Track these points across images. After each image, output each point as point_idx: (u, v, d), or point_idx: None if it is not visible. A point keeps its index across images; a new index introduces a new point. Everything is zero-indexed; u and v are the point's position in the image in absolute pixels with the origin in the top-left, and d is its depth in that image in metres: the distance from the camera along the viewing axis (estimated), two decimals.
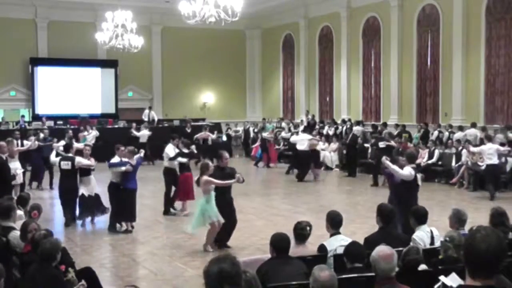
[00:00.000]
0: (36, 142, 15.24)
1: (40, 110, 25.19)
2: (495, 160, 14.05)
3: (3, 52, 24.32)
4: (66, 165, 11.22)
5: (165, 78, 27.85)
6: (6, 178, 10.62)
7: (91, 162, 11.39)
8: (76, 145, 14.90)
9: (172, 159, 12.26)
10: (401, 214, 7.61)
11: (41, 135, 17.30)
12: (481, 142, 16.60)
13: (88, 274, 5.94)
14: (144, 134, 21.62)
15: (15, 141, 13.98)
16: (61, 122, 22.89)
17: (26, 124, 22.70)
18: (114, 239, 10.21)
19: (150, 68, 27.66)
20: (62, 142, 15.48)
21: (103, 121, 23.98)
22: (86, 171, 11.35)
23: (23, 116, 23.53)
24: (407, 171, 8.72)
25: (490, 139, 14.55)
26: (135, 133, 21.53)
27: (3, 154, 11.17)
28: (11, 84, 25.15)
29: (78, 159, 11.32)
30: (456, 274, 2.81)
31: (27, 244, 6.07)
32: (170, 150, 12.30)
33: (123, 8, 20.11)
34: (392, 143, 16.34)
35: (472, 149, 14.98)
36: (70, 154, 11.61)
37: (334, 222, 6.29)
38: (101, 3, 24.40)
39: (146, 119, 24.82)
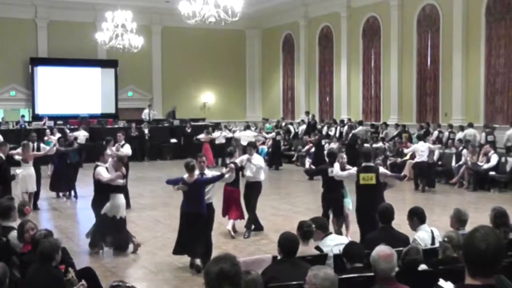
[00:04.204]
0: (54, 148, 13.80)
1: (40, 110, 25.18)
2: (425, 157, 15.43)
3: (3, 52, 24.33)
4: None
5: (165, 78, 27.84)
6: (5, 178, 10.62)
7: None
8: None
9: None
10: None
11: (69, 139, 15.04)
12: (480, 143, 16.69)
13: (88, 274, 5.95)
14: (79, 134, 20.36)
15: (31, 144, 12.55)
16: (61, 122, 22.86)
17: (26, 124, 22.68)
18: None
19: (150, 68, 27.66)
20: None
21: (103, 121, 23.97)
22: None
23: (23, 116, 23.52)
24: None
25: (420, 138, 16.94)
26: (70, 134, 19.65)
27: (3, 154, 11.14)
28: (11, 84, 25.16)
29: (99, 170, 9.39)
30: (451, 283, 2.82)
31: (26, 243, 6.08)
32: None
33: (123, 8, 20.12)
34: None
35: (406, 150, 16.91)
36: None
37: (324, 226, 6.42)
38: (101, 3, 24.40)
39: (146, 118, 24.75)
